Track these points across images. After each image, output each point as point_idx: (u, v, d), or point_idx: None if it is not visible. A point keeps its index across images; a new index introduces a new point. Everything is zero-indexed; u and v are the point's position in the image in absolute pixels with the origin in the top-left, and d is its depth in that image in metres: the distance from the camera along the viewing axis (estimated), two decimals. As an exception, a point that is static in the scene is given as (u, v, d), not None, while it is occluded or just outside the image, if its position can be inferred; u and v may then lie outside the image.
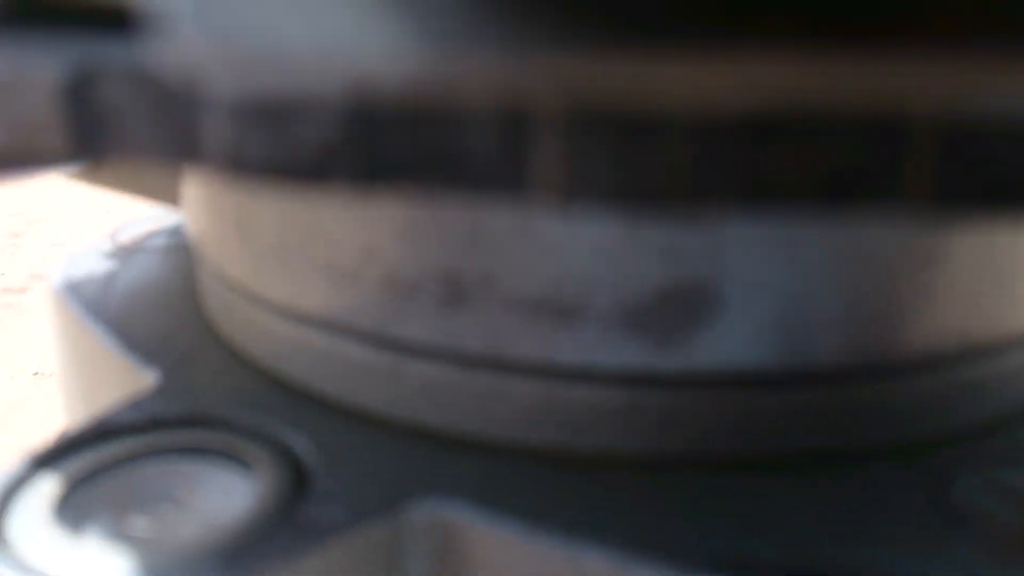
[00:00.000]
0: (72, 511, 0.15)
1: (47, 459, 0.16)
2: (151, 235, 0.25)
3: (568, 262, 0.15)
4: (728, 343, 0.15)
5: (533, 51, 0.09)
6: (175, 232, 0.25)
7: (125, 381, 0.19)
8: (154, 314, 0.21)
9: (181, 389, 0.18)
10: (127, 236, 0.24)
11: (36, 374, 2.27)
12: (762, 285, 0.15)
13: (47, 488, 0.15)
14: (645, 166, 0.09)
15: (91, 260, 0.23)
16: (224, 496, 0.15)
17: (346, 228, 0.16)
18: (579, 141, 0.09)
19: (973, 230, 0.15)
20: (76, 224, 3.02)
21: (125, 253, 0.24)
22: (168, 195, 0.22)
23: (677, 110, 0.09)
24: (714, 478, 0.16)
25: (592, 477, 0.16)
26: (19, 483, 0.15)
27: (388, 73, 0.09)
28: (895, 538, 0.14)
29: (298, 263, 0.17)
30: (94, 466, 0.15)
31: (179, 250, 0.24)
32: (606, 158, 0.09)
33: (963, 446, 0.17)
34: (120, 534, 0.14)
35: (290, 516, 0.14)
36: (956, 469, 0.16)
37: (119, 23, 0.11)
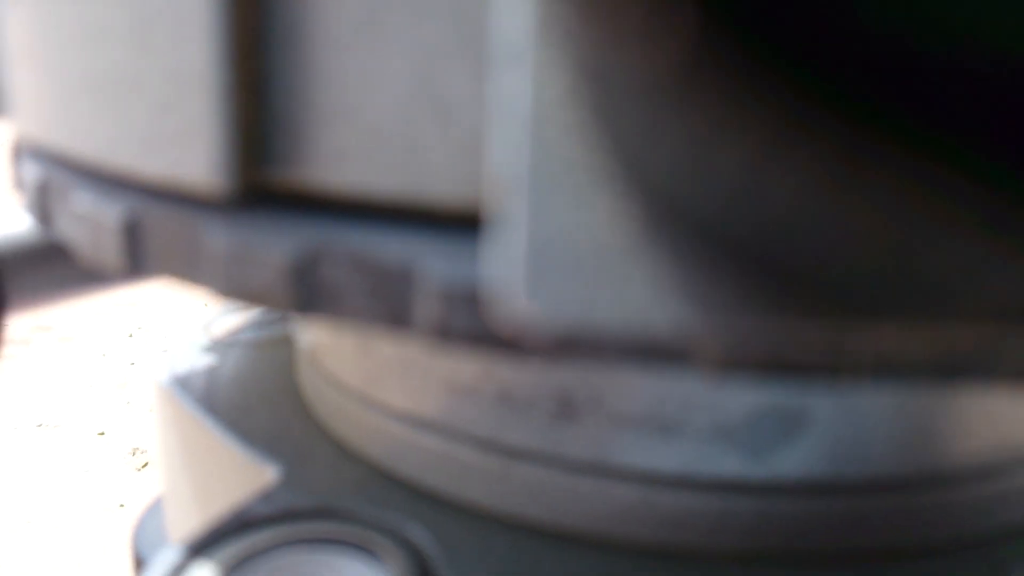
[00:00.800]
0: None
1: (200, 547, 0.17)
2: (243, 328, 0.26)
3: (670, 384, 0.17)
4: (810, 456, 0.17)
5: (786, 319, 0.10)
6: (266, 324, 0.26)
7: (244, 475, 0.20)
8: (263, 410, 0.22)
9: (304, 483, 0.19)
10: (220, 329, 0.26)
11: (40, 425, 2.27)
12: (841, 407, 0.17)
13: (203, 573, 0.16)
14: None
15: (192, 354, 0.25)
16: None
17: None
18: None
19: None
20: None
21: (223, 347, 0.25)
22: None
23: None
24: (796, 572, 0.18)
25: (682, 568, 0.17)
26: (179, 569, 0.16)
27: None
28: None
29: (418, 376, 0.19)
30: (241, 554, 0.17)
31: (274, 344, 0.25)
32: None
33: (1017, 543, 0.18)
34: None
35: None
36: (1012, 561, 0.18)
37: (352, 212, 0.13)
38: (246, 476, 0.20)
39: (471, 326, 0.12)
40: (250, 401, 0.22)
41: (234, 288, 0.13)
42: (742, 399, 0.16)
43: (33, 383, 2.50)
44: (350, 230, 0.12)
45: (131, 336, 2.55)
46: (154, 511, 0.25)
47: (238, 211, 0.13)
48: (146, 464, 2.02)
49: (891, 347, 0.11)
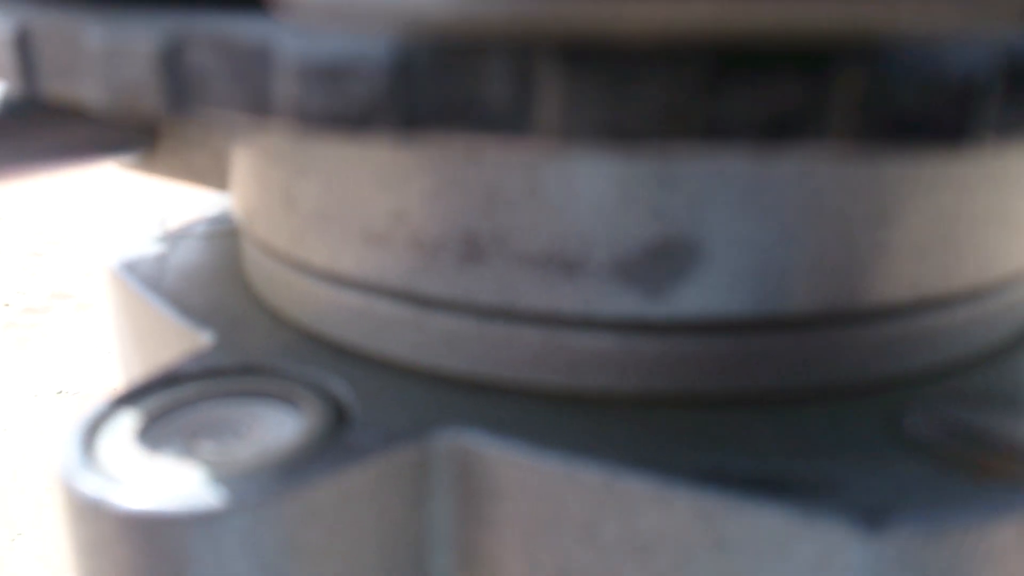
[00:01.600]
0: (148, 440, 0.17)
1: (125, 400, 0.18)
2: (195, 223, 0.27)
3: (570, 220, 0.17)
4: (709, 293, 0.17)
5: None
6: (217, 220, 0.27)
7: (182, 343, 0.21)
8: (204, 288, 0.23)
9: (234, 346, 0.20)
10: (174, 223, 0.27)
11: (59, 392, 2.28)
12: (738, 241, 0.17)
13: (127, 422, 0.17)
14: (624, 107, 0.11)
15: (143, 243, 0.26)
16: (277, 429, 0.17)
17: (378, 195, 0.18)
18: (572, 85, 0.11)
19: (921, 190, 0.17)
20: (95, 244, 3.04)
21: (173, 238, 0.26)
22: (216, 180, 0.24)
23: (647, 42, 0.11)
24: (697, 413, 0.18)
25: (590, 411, 0.18)
26: (103, 417, 0.17)
27: (430, 12, 0.11)
28: (849, 458, 0.16)
29: (336, 230, 0.19)
30: (165, 406, 0.18)
31: (222, 235, 0.26)
32: (594, 99, 0.12)
33: (917, 388, 0.19)
34: (190, 457, 0.16)
35: (333, 442, 0.17)
36: (910, 407, 0.18)
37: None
38: (189, 346, 0.21)
39: (328, 104, 0.12)
40: (194, 283, 0.24)
41: (113, 87, 0.14)
42: (638, 233, 0.17)
43: (52, 351, 2.51)
44: (212, 16, 0.13)
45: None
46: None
47: (110, 9, 0.14)
48: None
49: (723, 110, 0.11)
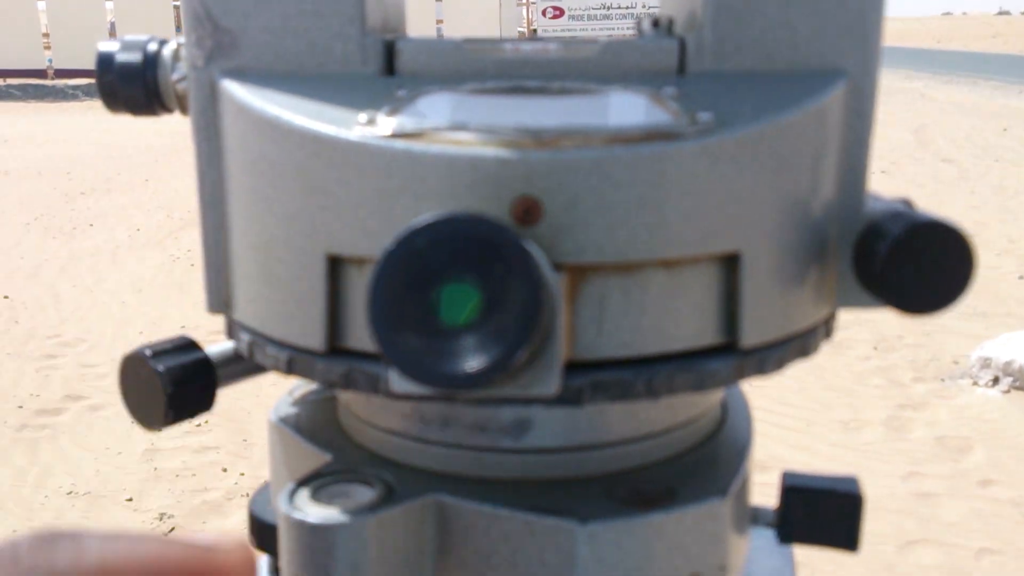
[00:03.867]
0: (314, 496, 0.26)
1: (303, 481, 0.26)
2: (309, 392, 0.36)
3: None
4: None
5: None
6: (319, 390, 0.36)
7: (315, 461, 0.30)
8: (321, 430, 0.32)
9: (341, 460, 0.29)
10: (299, 391, 0.36)
11: (69, 493, 2.58)
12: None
13: (305, 490, 0.26)
14: None
15: (285, 404, 0.35)
16: (363, 494, 0.26)
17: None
18: None
19: None
20: (108, 346, 3.35)
21: (297, 400, 0.35)
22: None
23: None
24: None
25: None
26: (295, 487, 0.26)
27: None
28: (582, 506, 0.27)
29: (390, 411, 0.28)
30: (321, 483, 0.26)
31: (326, 399, 0.34)
32: None
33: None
34: (329, 504, 0.25)
35: (385, 501, 0.25)
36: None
37: None
38: (316, 462, 0.30)
39: None
40: (317, 427, 0.32)
41: None
42: None
43: (63, 453, 2.78)
44: None
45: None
46: (263, 490, 0.34)
47: None
48: (172, 529, 2.32)
49: None
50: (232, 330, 0.29)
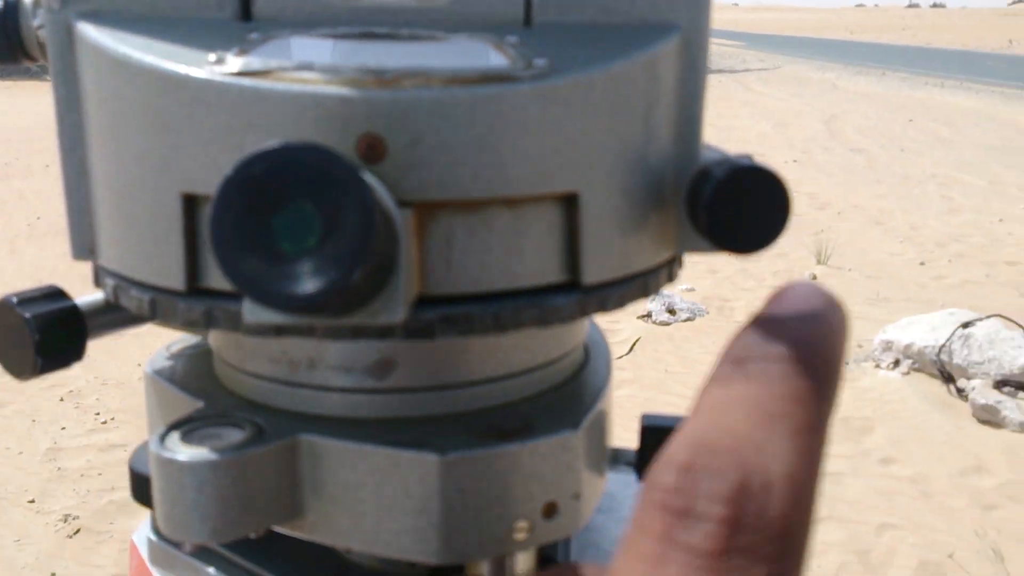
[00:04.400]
0: (184, 437, 0.27)
1: (175, 425, 0.28)
2: (186, 347, 0.37)
3: None
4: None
5: None
6: (196, 345, 0.37)
7: (187, 406, 0.31)
8: (196, 380, 0.33)
9: (213, 405, 0.30)
10: (176, 347, 0.37)
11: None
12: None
13: (176, 433, 0.27)
14: None
15: (161, 357, 0.35)
16: (236, 436, 0.27)
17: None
18: None
19: None
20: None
21: (174, 354, 0.36)
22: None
23: None
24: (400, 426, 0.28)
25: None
26: (167, 430, 0.27)
27: None
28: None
29: (261, 356, 0.30)
30: (192, 426, 0.28)
31: (202, 351, 0.36)
32: None
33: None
34: (199, 444, 0.26)
35: (254, 440, 0.27)
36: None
37: None
38: (191, 407, 0.31)
39: None
40: (191, 377, 0.34)
41: None
42: None
43: None
44: None
45: (61, 400, 2.82)
46: (144, 446, 0.34)
47: None
48: (77, 531, 2.28)
49: None
50: (98, 276, 0.29)
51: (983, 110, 11.30)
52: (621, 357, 3.46)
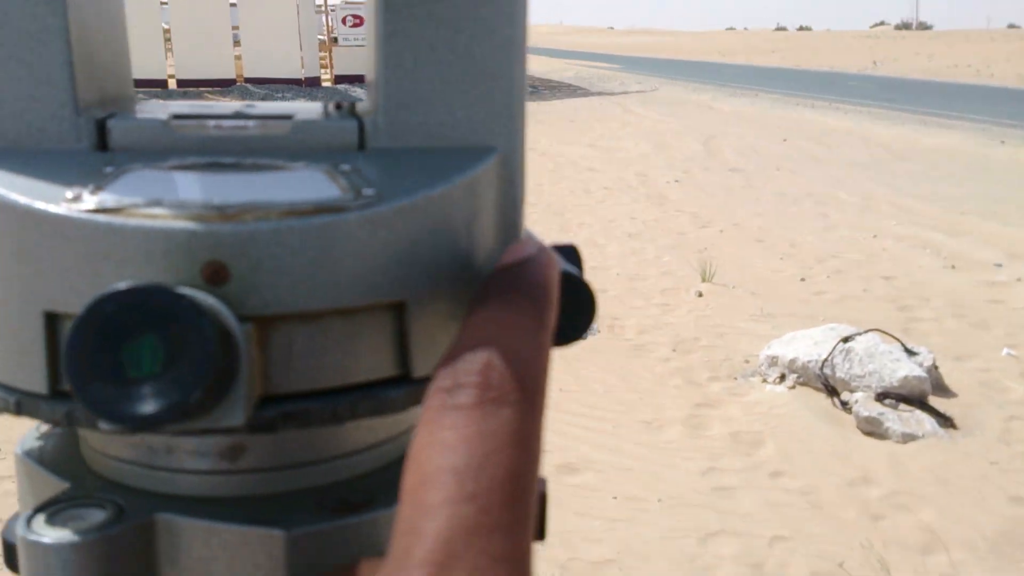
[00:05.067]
0: (50, 520, 0.28)
1: (40, 507, 0.29)
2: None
3: None
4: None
5: None
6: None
7: (54, 487, 0.32)
8: (63, 461, 0.34)
9: (79, 487, 0.31)
10: (45, 427, 0.37)
11: None
12: None
13: (42, 515, 0.28)
14: None
15: (31, 438, 0.36)
16: (98, 516, 0.28)
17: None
18: None
19: None
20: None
21: (43, 434, 0.36)
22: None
23: None
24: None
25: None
26: (33, 513, 0.28)
27: None
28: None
29: (119, 444, 0.31)
30: (57, 508, 0.28)
31: (67, 435, 0.36)
32: None
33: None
34: (62, 527, 0.27)
35: (114, 520, 0.28)
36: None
37: None
38: (57, 487, 0.32)
39: None
40: (59, 458, 0.34)
41: None
42: None
43: None
44: None
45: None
46: (15, 518, 0.32)
47: None
48: None
49: None
50: None
51: (853, 129, 11.81)
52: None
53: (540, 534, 0.35)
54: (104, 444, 0.32)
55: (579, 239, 5.74)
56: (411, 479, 0.23)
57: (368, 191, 0.28)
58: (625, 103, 15.68)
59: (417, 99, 0.31)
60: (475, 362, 0.25)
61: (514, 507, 0.23)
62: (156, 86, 15.53)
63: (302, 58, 16.84)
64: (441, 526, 0.22)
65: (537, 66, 29.91)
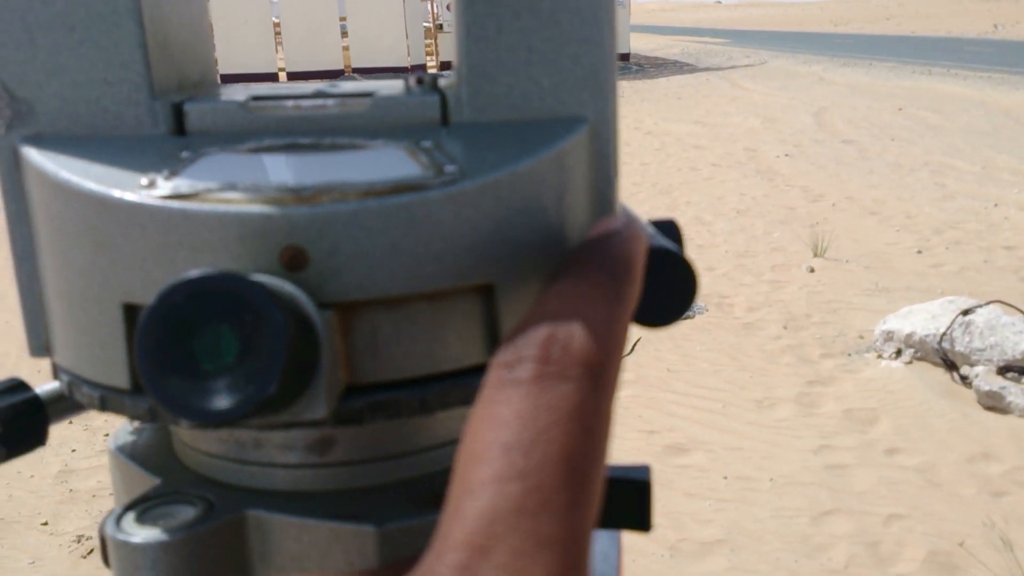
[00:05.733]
0: (140, 518, 0.28)
1: (130, 505, 0.29)
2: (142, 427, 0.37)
3: None
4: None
5: None
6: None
7: (146, 482, 0.32)
8: (154, 456, 0.34)
9: (170, 482, 0.31)
10: (137, 423, 0.37)
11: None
12: None
13: (132, 513, 0.28)
14: None
15: (124, 433, 0.36)
16: (188, 513, 0.28)
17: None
18: None
19: None
20: None
21: (136, 429, 0.36)
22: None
23: None
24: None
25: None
26: (122, 511, 0.28)
27: None
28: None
29: (211, 438, 0.31)
30: (147, 505, 0.29)
31: (159, 430, 0.36)
32: None
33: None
34: (155, 524, 0.27)
35: (205, 517, 0.28)
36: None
37: None
38: (150, 483, 0.32)
39: None
40: (151, 453, 0.34)
41: None
42: None
43: None
44: None
45: (70, 423, 2.81)
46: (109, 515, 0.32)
47: None
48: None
49: None
50: (55, 371, 0.31)
51: (971, 96, 11.35)
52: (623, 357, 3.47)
53: (644, 524, 0.34)
54: (194, 439, 0.32)
55: (686, 217, 5.68)
56: (461, 458, 0.22)
57: (450, 168, 0.27)
58: (733, 77, 15.39)
59: (501, 69, 0.30)
60: (536, 336, 0.23)
61: (568, 487, 0.21)
62: (267, 80, 15.86)
63: (408, 46, 16.96)
64: (484, 505, 0.21)
65: (643, 44, 29.59)
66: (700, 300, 4.05)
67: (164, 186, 0.26)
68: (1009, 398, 2.96)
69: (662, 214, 5.74)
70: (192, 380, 0.23)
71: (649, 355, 3.51)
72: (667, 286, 0.29)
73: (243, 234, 0.25)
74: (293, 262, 0.25)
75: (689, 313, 3.89)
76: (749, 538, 2.34)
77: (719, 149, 8.15)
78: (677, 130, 9.30)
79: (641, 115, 10.53)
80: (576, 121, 0.30)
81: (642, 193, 6.47)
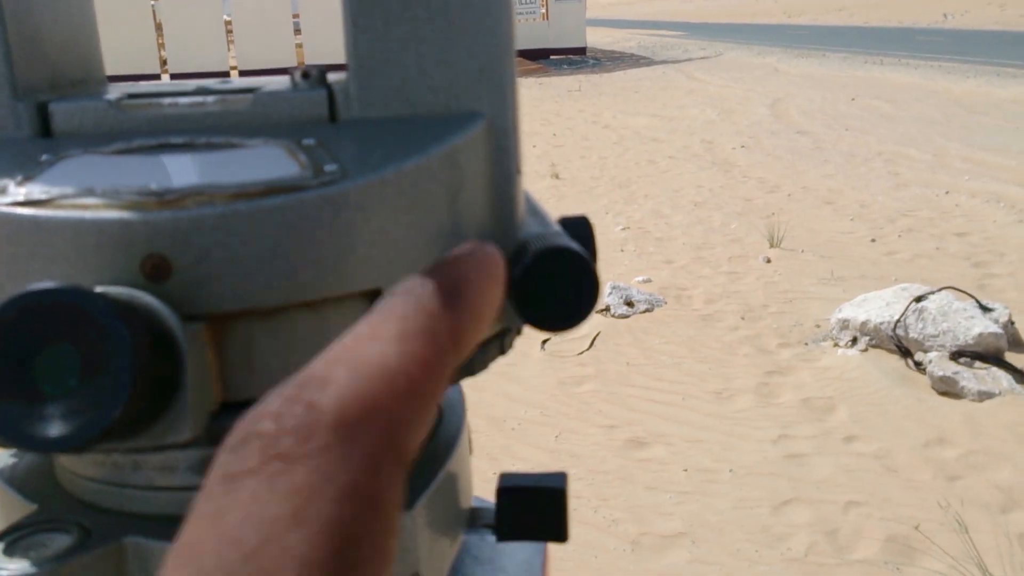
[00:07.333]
0: (10, 549, 0.26)
1: (2, 534, 0.27)
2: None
3: None
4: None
5: None
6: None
7: (22, 509, 0.30)
8: (34, 481, 0.32)
9: (47, 509, 0.29)
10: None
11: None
12: None
13: (2, 542, 0.26)
14: None
15: (4, 458, 0.34)
16: (63, 543, 0.27)
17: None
18: None
19: None
20: None
21: (18, 454, 0.34)
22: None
23: None
24: None
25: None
26: None
27: None
28: None
29: (87, 461, 0.29)
30: (18, 535, 0.27)
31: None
32: None
33: None
34: (25, 555, 0.26)
35: (81, 545, 0.26)
36: None
37: None
38: (25, 512, 0.30)
39: None
40: (28, 478, 0.32)
41: None
42: None
43: None
44: None
45: None
46: None
47: None
48: None
49: None
50: None
51: (923, 85, 11.49)
52: (582, 353, 3.48)
53: (559, 534, 0.33)
54: (71, 462, 0.30)
55: (644, 210, 5.70)
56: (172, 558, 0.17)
57: (331, 167, 0.25)
58: (689, 70, 15.46)
59: (391, 62, 0.28)
60: (277, 399, 0.18)
61: None
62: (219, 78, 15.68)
63: (363, 43, 16.79)
64: None
65: (600, 37, 29.64)
66: (659, 293, 4.07)
67: (15, 192, 0.24)
68: (962, 383, 3.00)
69: (621, 207, 5.77)
70: (29, 404, 0.21)
71: (609, 350, 3.51)
72: (568, 287, 0.27)
73: (100, 242, 0.23)
74: (155, 272, 0.23)
75: (647, 306, 3.91)
76: (710, 530, 2.35)
77: (676, 142, 8.17)
78: (635, 123, 9.34)
79: (599, 109, 10.55)
80: (471, 116, 0.28)
81: (600, 187, 6.48)
